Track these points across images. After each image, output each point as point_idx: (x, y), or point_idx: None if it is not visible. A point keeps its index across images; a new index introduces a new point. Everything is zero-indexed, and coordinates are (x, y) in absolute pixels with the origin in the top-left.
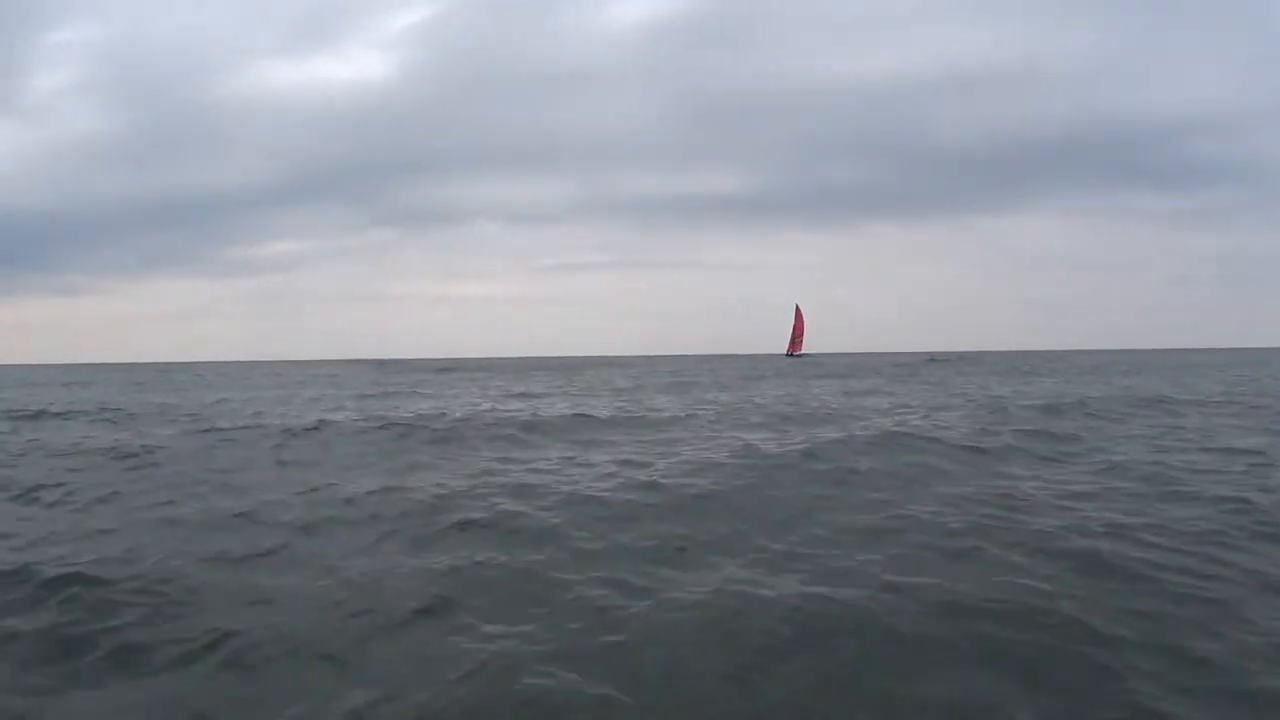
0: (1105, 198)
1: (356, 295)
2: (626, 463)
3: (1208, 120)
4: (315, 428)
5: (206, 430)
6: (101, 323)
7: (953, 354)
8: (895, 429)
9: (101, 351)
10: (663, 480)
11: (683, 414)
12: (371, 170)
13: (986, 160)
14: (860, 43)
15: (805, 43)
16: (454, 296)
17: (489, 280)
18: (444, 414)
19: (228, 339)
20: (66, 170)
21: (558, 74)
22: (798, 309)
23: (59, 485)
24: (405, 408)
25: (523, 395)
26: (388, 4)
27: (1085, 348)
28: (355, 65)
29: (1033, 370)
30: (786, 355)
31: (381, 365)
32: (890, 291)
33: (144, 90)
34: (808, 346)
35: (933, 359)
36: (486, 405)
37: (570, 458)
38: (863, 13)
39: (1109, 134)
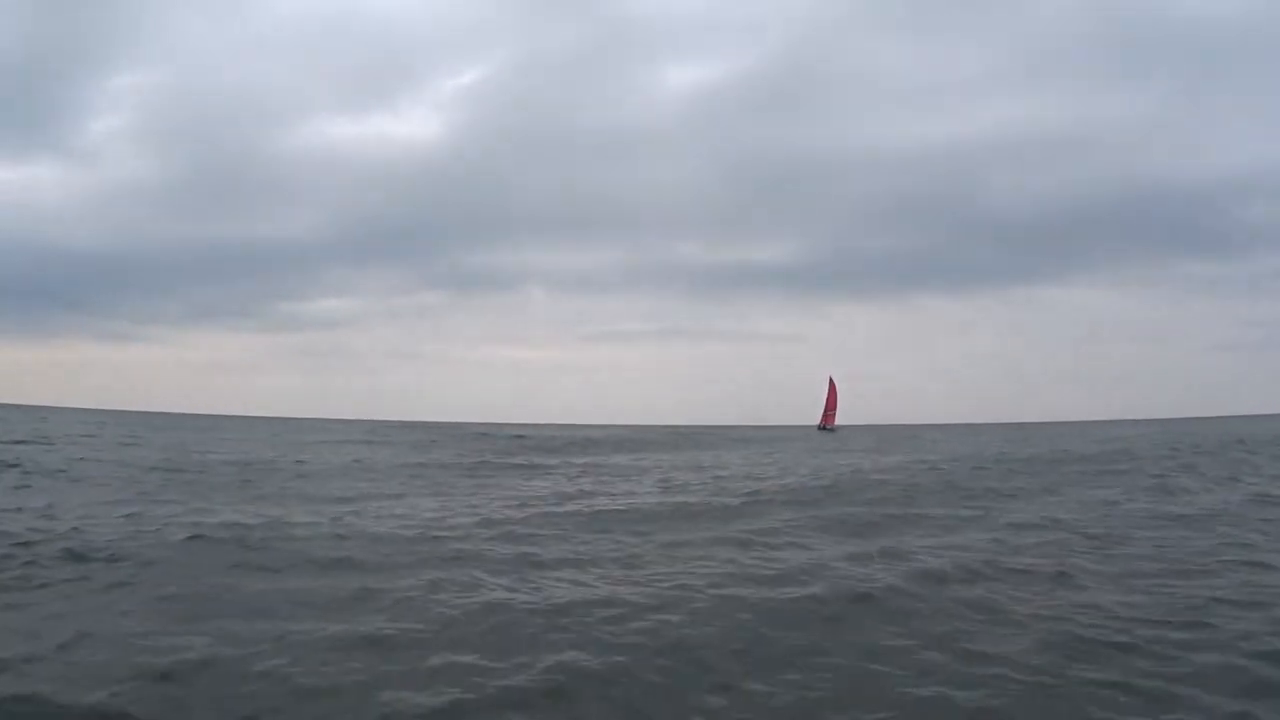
0: (1154, 264)
1: (403, 355)
2: None
3: (1256, 182)
4: None
5: None
6: (147, 369)
7: (988, 424)
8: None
9: (146, 400)
10: None
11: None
12: (422, 231)
13: (1035, 228)
14: (911, 110)
15: (857, 110)
16: (499, 361)
17: (534, 346)
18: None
19: (273, 393)
20: (117, 214)
21: (609, 139)
22: (831, 381)
23: None
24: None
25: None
26: (444, 64)
27: (1129, 417)
28: (410, 124)
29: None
30: (819, 428)
31: (436, 428)
32: (933, 362)
33: (200, 138)
34: (841, 419)
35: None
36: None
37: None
38: (914, 81)
39: (1157, 198)
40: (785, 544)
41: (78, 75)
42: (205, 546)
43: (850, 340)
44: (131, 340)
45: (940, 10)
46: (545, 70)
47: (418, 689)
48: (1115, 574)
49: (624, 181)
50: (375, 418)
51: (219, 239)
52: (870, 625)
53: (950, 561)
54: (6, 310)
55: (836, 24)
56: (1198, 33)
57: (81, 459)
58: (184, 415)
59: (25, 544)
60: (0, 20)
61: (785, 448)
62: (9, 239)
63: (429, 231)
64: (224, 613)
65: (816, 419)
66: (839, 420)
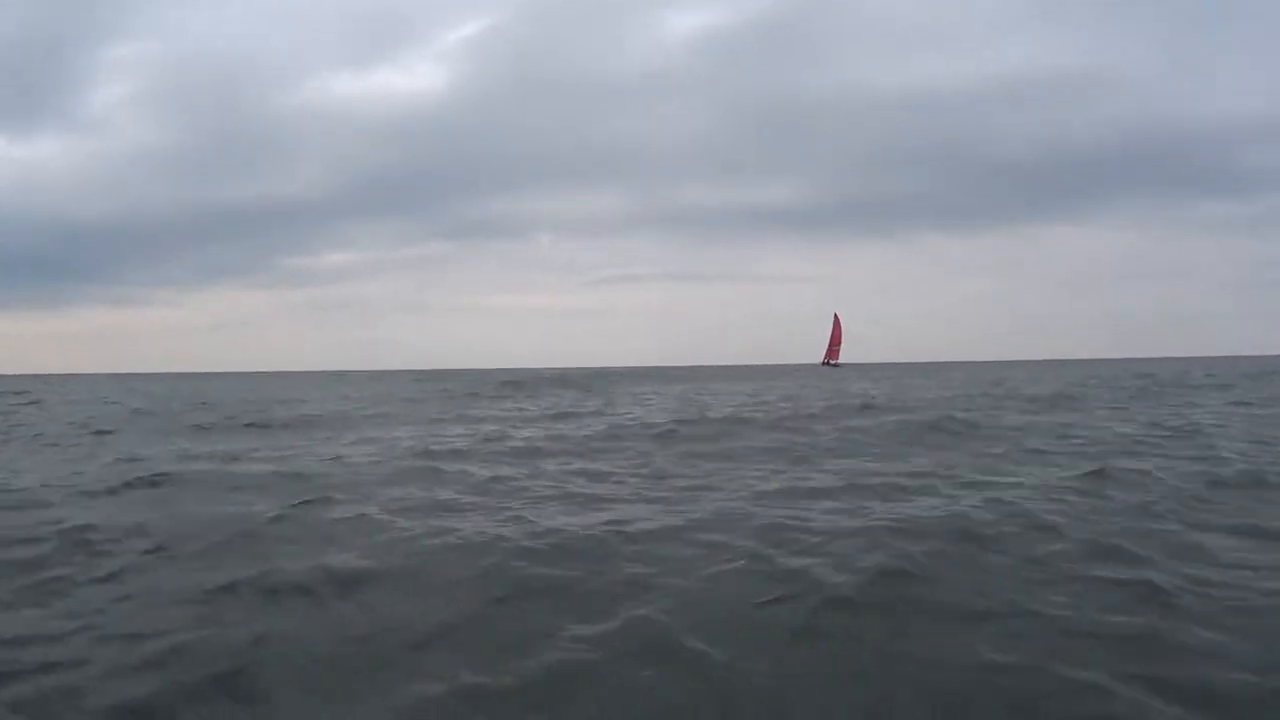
0: (1164, 205)
1: (412, 306)
2: None
3: (1267, 125)
4: None
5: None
6: (159, 333)
7: (994, 363)
8: None
9: (161, 361)
10: None
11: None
12: (429, 182)
13: (1043, 170)
14: (919, 53)
15: (864, 53)
16: (509, 309)
17: (543, 293)
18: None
19: (284, 348)
20: (125, 183)
21: (614, 85)
22: (836, 318)
23: None
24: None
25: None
26: (446, 16)
27: (1138, 355)
28: (414, 76)
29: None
30: (823, 364)
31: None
32: (940, 302)
33: (203, 102)
34: (845, 355)
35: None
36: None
37: None
38: (921, 23)
39: (1168, 141)
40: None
41: (77, 47)
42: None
43: (857, 279)
44: (142, 304)
45: None
46: (548, 18)
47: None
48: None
49: (630, 127)
50: (386, 368)
51: (225, 200)
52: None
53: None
54: (17, 283)
55: None
56: None
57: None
58: (196, 375)
59: None
60: None
61: (775, 383)
62: (17, 213)
63: (435, 183)
64: None
65: (821, 356)
66: (843, 356)
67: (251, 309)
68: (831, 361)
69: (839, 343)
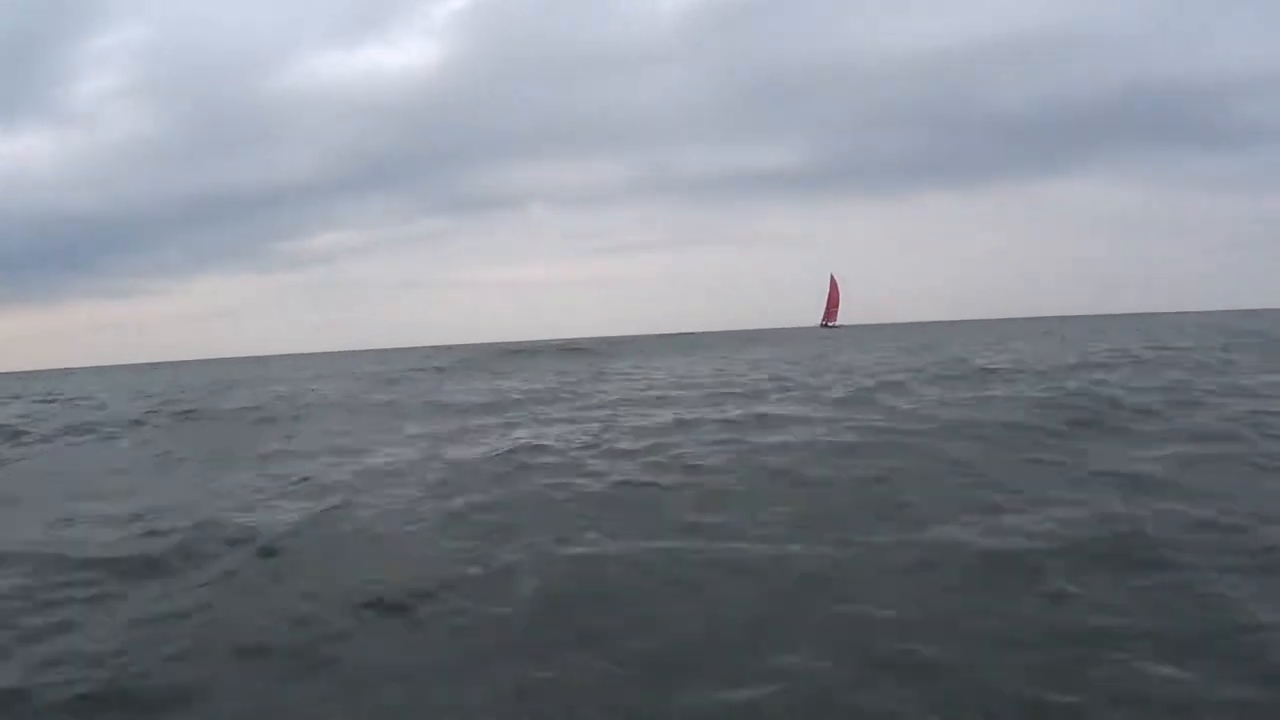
0: (1158, 159)
1: (410, 283)
2: None
3: (1258, 79)
4: None
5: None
6: (156, 323)
7: (997, 320)
8: None
9: (158, 351)
10: None
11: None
12: (421, 158)
13: (1039, 125)
14: (913, 10)
15: (857, 12)
16: (508, 281)
17: (542, 264)
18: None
19: (283, 332)
20: (115, 173)
21: (607, 53)
22: (833, 279)
23: None
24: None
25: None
26: None
27: (1137, 310)
28: (403, 52)
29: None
30: (821, 326)
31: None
32: (938, 260)
33: (191, 89)
34: (844, 317)
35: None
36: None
37: None
38: None
39: (1161, 95)
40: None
41: (60, 39)
42: None
43: (858, 239)
44: (136, 295)
45: None
46: None
47: None
48: None
49: (626, 95)
50: (385, 347)
51: (215, 186)
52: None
53: None
54: (9, 280)
55: None
56: None
57: None
58: (194, 362)
59: None
60: None
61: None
62: (7, 209)
63: (428, 158)
64: None
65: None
66: (841, 319)
67: (246, 293)
68: (830, 324)
69: (836, 304)
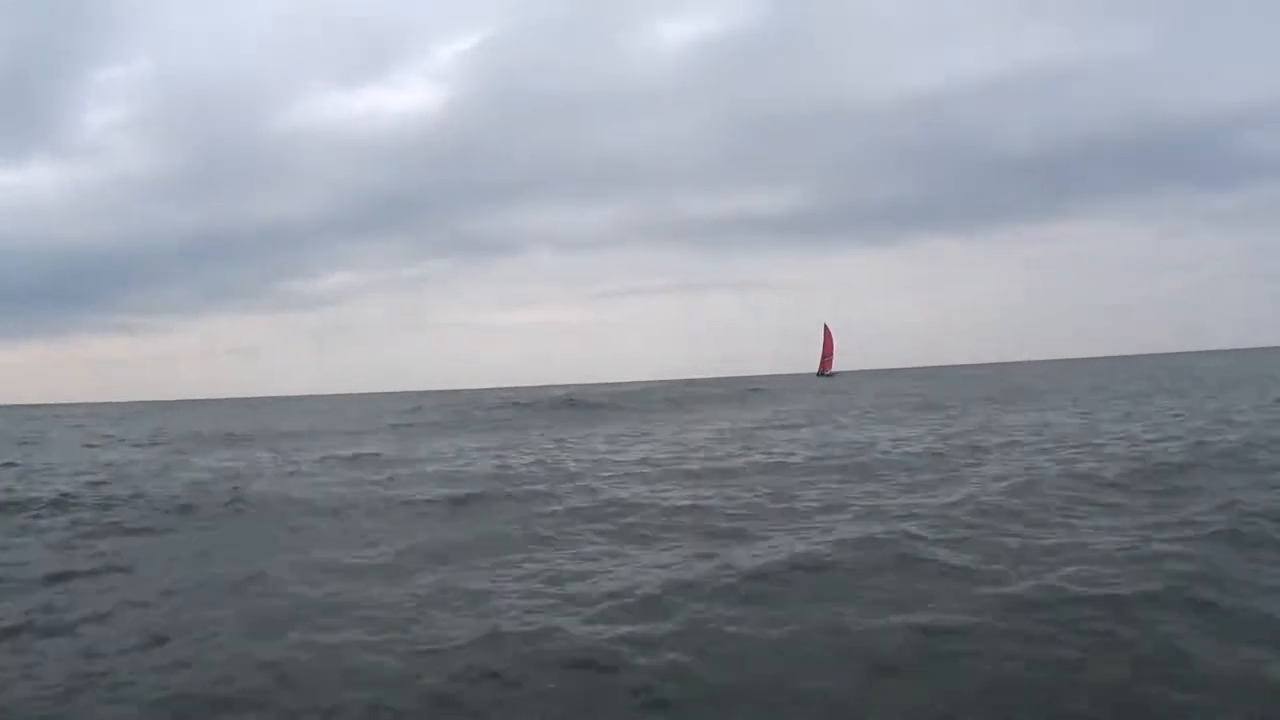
0: (1163, 197)
1: (413, 326)
2: None
3: (1263, 113)
4: None
5: None
6: (160, 360)
7: (992, 365)
8: None
9: (162, 389)
10: None
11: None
12: (425, 200)
13: (1039, 167)
14: (915, 52)
15: (859, 55)
16: (510, 325)
17: (545, 308)
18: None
19: (288, 373)
20: (120, 207)
21: (610, 97)
22: (826, 329)
23: None
24: None
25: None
26: (439, 31)
27: (1140, 352)
28: (408, 94)
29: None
30: (818, 375)
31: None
32: (938, 304)
33: (198, 124)
34: (842, 363)
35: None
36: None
37: None
38: (916, 22)
39: (1165, 133)
40: None
41: (67, 71)
42: None
43: (857, 283)
44: (140, 332)
45: None
46: (541, 31)
47: None
48: None
49: (626, 139)
50: (388, 390)
51: (223, 222)
52: None
53: None
54: (13, 312)
55: None
56: None
57: None
58: (192, 401)
59: None
60: None
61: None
62: (12, 241)
63: (431, 200)
64: None
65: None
66: (838, 365)
67: (249, 333)
68: (826, 372)
69: (831, 353)
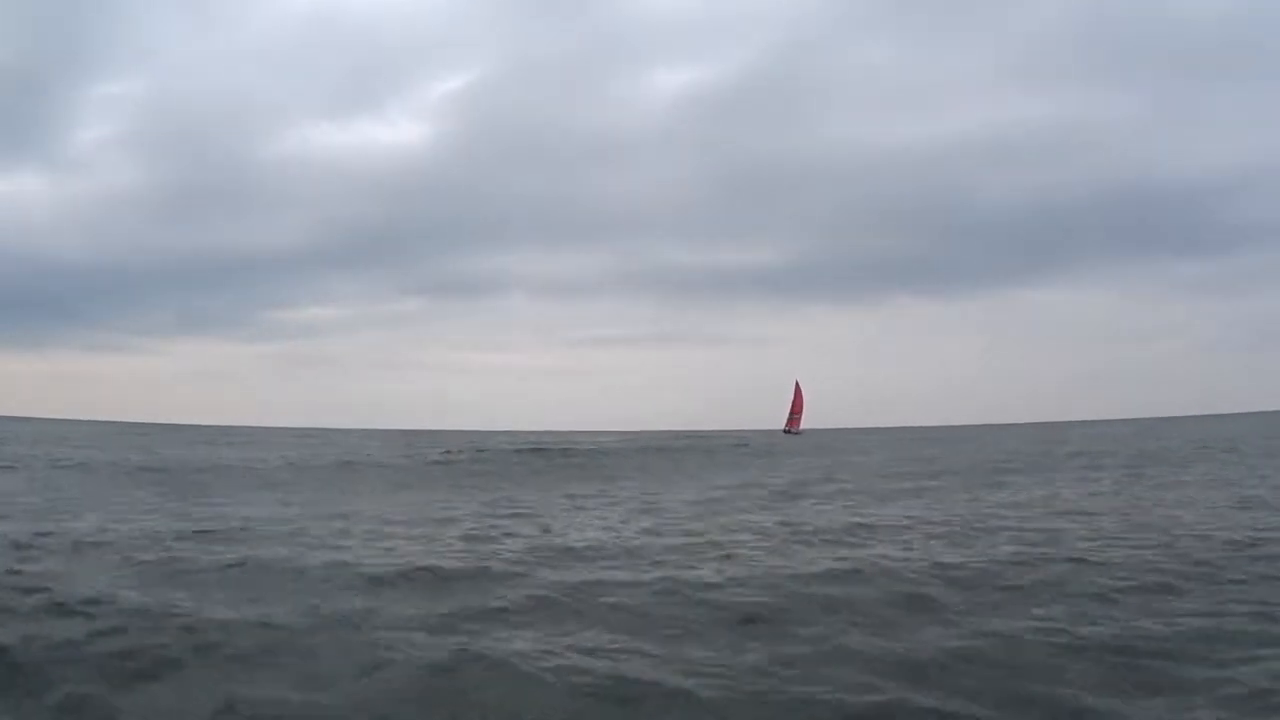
0: (1141, 264)
1: (388, 364)
2: None
3: (1241, 182)
4: None
5: None
6: (134, 381)
7: (965, 427)
8: None
9: (134, 410)
10: None
11: None
12: (406, 238)
13: (1019, 231)
14: (899, 112)
15: (844, 114)
16: (484, 368)
17: (519, 352)
18: None
19: (259, 403)
20: (105, 224)
21: (595, 144)
22: (797, 386)
23: None
24: None
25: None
26: (427, 70)
27: (1114, 417)
28: (395, 129)
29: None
30: (784, 431)
31: (424, 436)
32: (911, 366)
33: (185, 147)
34: (810, 421)
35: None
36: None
37: None
38: (902, 83)
39: (1145, 199)
40: None
41: (62, 85)
42: None
43: (830, 342)
44: (119, 351)
45: (926, 12)
46: (532, 75)
47: None
48: None
49: (610, 186)
50: (361, 426)
51: (205, 247)
52: None
53: None
54: None
55: (822, 27)
56: (1182, 34)
57: None
58: (165, 425)
59: None
60: None
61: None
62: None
63: (412, 238)
64: None
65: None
66: (807, 422)
67: (226, 360)
68: (792, 430)
69: (800, 411)
